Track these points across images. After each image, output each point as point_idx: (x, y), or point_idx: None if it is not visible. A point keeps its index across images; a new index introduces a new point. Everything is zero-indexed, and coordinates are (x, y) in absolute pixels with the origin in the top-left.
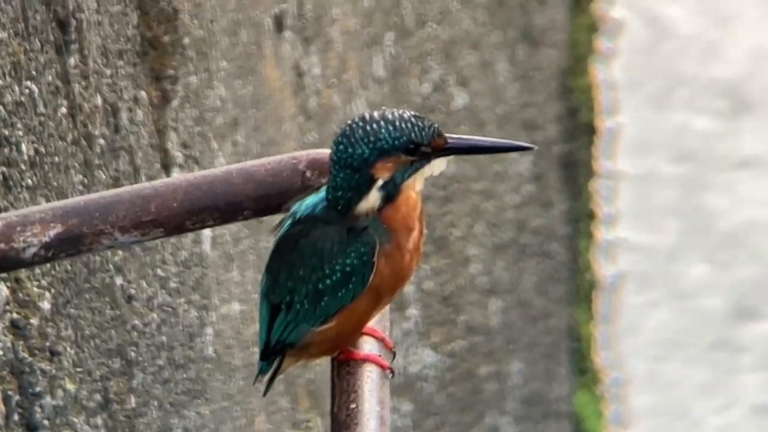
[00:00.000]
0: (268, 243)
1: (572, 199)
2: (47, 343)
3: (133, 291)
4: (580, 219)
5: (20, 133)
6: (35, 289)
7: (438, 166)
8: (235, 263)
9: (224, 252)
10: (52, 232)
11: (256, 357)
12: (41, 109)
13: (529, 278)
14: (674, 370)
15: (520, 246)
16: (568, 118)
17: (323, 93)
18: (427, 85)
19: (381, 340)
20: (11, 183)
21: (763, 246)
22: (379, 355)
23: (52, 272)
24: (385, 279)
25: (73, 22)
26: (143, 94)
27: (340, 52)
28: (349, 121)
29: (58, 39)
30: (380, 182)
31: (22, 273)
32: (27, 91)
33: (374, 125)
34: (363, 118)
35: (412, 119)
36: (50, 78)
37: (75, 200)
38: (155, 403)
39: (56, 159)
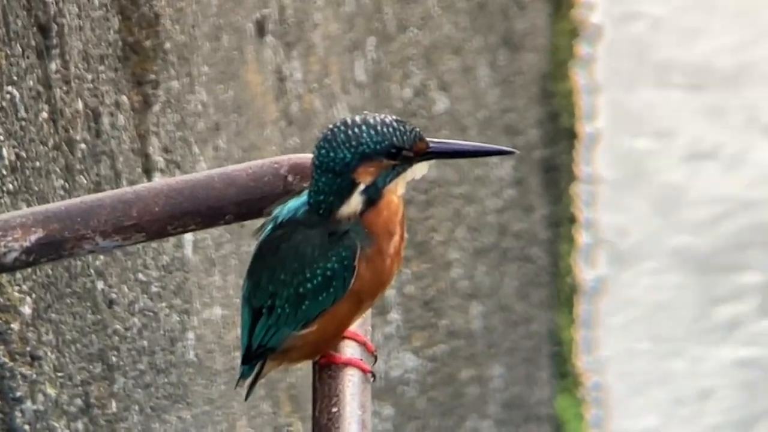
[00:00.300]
0: (250, 247)
1: (553, 203)
2: (28, 348)
3: (114, 295)
4: (561, 223)
5: (1, 137)
6: (16, 293)
7: (420, 170)
8: (216, 267)
9: (206, 256)
10: (33, 237)
11: (238, 361)
12: (22, 113)
13: (510, 282)
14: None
15: (502, 250)
16: (549, 123)
17: (305, 98)
18: (409, 90)
19: (362, 344)
20: None
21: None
22: (361, 359)
23: (33, 277)
24: (366, 283)
25: (55, 27)
26: (125, 98)
27: (321, 57)
28: (331, 126)
29: (39, 44)
30: (362, 186)
31: (3, 277)
32: (8, 96)
33: (356, 129)
34: (345, 123)
35: (394, 123)
36: (31, 83)
37: (56, 205)
38: (136, 407)
39: (37, 164)
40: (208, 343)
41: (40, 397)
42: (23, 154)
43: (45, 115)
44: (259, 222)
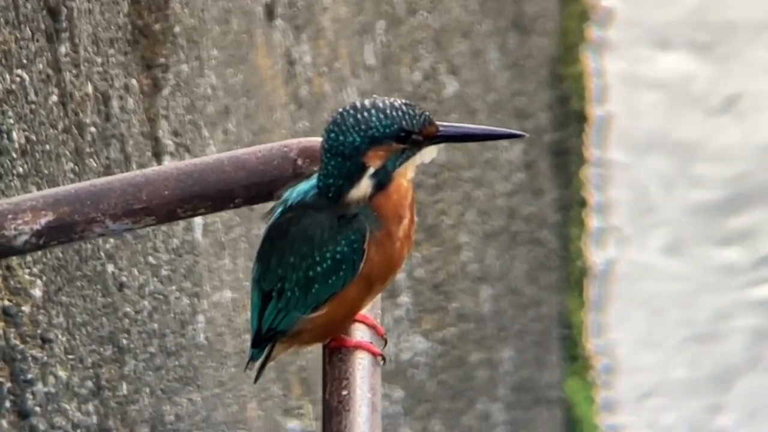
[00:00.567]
0: (260, 231)
1: (563, 186)
2: (39, 331)
3: (124, 279)
4: (571, 207)
5: (11, 121)
6: (27, 276)
7: (429, 154)
8: (226, 251)
9: (216, 240)
10: (43, 220)
11: (248, 344)
12: (32, 97)
13: (520, 266)
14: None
15: (511, 234)
16: (559, 106)
17: (314, 81)
18: (418, 74)
19: (372, 327)
20: (2, 171)
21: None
22: (371, 342)
23: (44, 260)
24: (375, 267)
25: (64, 11)
26: (134, 82)
27: (331, 41)
28: (341, 109)
29: (48, 27)
30: (371, 170)
31: (14, 260)
32: (18, 79)
33: (365, 113)
34: (354, 107)
35: (404, 107)
36: (41, 66)
37: (66, 188)
38: (147, 390)
39: (47, 147)
40: (218, 326)
41: (51, 380)
42: (33, 137)
43: (55, 98)
44: (268, 205)
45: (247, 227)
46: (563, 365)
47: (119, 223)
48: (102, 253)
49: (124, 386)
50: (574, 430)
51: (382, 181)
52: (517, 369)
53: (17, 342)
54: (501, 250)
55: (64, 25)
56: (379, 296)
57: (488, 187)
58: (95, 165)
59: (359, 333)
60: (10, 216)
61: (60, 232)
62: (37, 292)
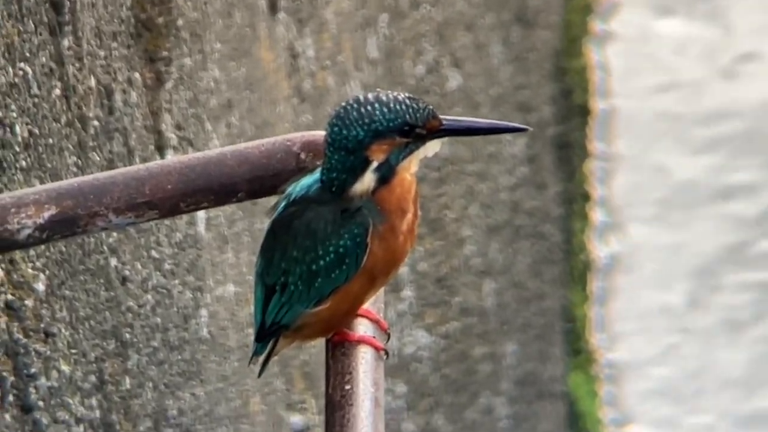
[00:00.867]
0: (263, 225)
1: (566, 180)
2: (42, 325)
3: (127, 272)
4: (575, 200)
5: (14, 114)
6: (30, 270)
7: (432, 147)
8: (229, 245)
9: (219, 234)
10: (46, 214)
11: (251, 338)
12: (35, 90)
13: (523, 259)
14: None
15: (515, 227)
16: (562, 100)
17: (317, 75)
18: (421, 67)
19: (375, 321)
20: (5, 165)
21: None
22: (374, 337)
23: (47, 254)
24: (378, 261)
25: (67, 4)
26: (137, 75)
27: (334, 34)
28: (344, 103)
29: (51, 20)
30: (375, 164)
31: (17, 254)
32: (21, 72)
33: (369, 107)
34: (357, 100)
35: (407, 101)
36: (44, 59)
37: (69, 182)
38: (150, 384)
39: (50, 141)
40: (222, 321)
41: (54, 374)
42: (36, 131)
43: (58, 92)
44: (272, 200)
45: (250, 221)
46: (566, 359)
47: (122, 217)
48: (105, 247)
49: (127, 380)
50: (577, 424)
51: (386, 175)
52: (520, 363)
53: (20, 336)
54: (504, 243)
55: (67, 18)
56: (382, 290)
57: (491, 181)
58: (98, 159)
59: (362, 327)
60: (13, 210)
61: (63, 226)
62: (40, 286)
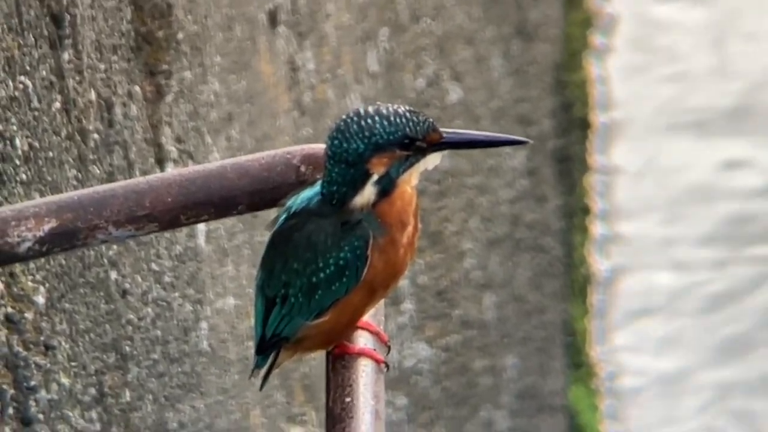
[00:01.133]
0: (263, 238)
1: (567, 193)
2: (42, 338)
3: (127, 285)
4: (575, 214)
5: (14, 128)
6: (30, 283)
7: (433, 160)
8: (229, 258)
9: (219, 246)
10: (46, 227)
11: (251, 351)
12: (35, 104)
13: (523, 273)
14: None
15: (515, 240)
16: (563, 113)
17: (318, 88)
18: (422, 80)
19: (376, 334)
20: (5, 178)
21: None
22: (374, 349)
23: (47, 267)
24: (378, 273)
25: (67, 17)
26: (137, 89)
27: (334, 47)
28: (344, 116)
29: (52, 34)
30: (375, 177)
31: (17, 267)
32: (21, 86)
33: (369, 120)
34: (358, 113)
35: (407, 114)
36: (44, 73)
37: (69, 195)
38: (150, 397)
39: (50, 154)
40: (222, 333)
41: (54, 387)
42: (36, 144)
43: (58, 105)
44: (272, 212)
45: (250, 234)
46: (567, 372)
47: (122, 229)
48: (105, 260)
49: (127, 393)
50: None
51: (386, 188)
52: (520, 376)
53: (20, 349)
54: (504, 257)
55: (68, 31)
56: (382, 303)
57: (492, 194)
58: (98, 172)
59: (362, 340)
60: (13, 223)
61: (63, 239)
62: (40, 299)
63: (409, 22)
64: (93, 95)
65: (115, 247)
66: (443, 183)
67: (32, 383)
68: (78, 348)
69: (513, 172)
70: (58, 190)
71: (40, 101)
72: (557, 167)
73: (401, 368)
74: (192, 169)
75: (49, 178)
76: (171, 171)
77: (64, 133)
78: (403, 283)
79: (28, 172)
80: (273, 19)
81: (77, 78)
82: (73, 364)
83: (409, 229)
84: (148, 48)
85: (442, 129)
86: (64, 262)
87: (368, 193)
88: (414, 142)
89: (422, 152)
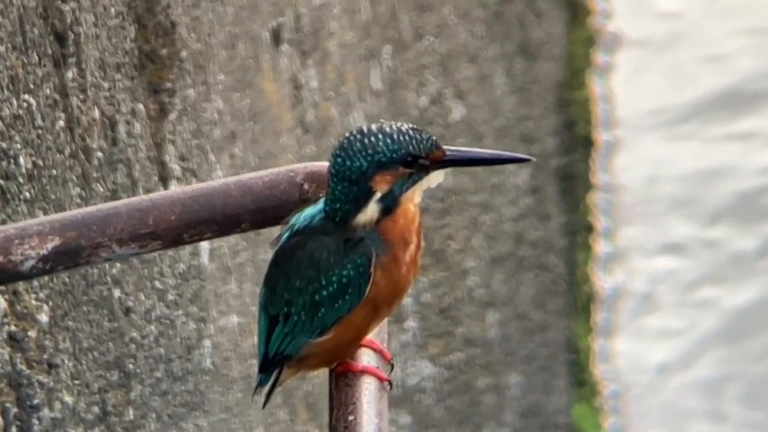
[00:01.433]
0: (266, 255)
1: (570, 211)
2: (45, 356)
3: (131, 303)
4: (578, 232)
5: (18, 146)
6: (33, 301)
7: (436, 178)
8: (233, 276)
9: (222, 264)
10: (50, 245)
11: (254, 369)
12: (39, 122)
13: (526, 291)
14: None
15: (518, 258)
16: (566, 131)
17: (321, 106)
18: (425, 98)
19: (379, 352)
20: (9, 196)
21: None
22: (378, 367)
23: (50, 285)
24: (381, 291)
25: (71, 36)
26: (141, 107)
27: (337, 65)
28: (347, 134)
29: (55, 52)
30: (378, 195)
31: (20, 286)
32: (25, 104)
33: (372, 138)
34: (361, 131)
35: (410, 132)
36: (48, 91)
37: (73, 213)
38: (153, 415)
39: (54, 172)
40: (225, 351)
41: (58, 405)
42: (40, 162)
43: (62, 123)
44: (275, 230)
45: (253, 252)
46: (570, 391)
47: (126, 247)
48: (108, 278)
49: (131, 411)
50: None
51: (389, 206)
52: (524, 394)
53: (23, 367)
54: (508, 275)
55: (71, 50)
56: (385, 321)
57: (495, 212)
58: (102, 190)
59: (366, 358)
60: (16, 241)
61: (66, 257)
62: (44, 317)
63: (412, 41)
64: (97, 113)
65: (118, 265)
66: (446, 201)
67: (35, 401)
68: (81, 366)
69: (516, 190)
70: (61, 208)
71: (43, 119)
72: (560, 185)
73: (404, 386)
74: (195, 186)
75: (53, 196)
76: (174, 189)
77: (67, 151)
78: (407, 300)
79: (32, 190)
80: (276, 38)
81: (81, 96)
82: (76, 382)
83: (412, 246)
84: (152, 66)
85: (445, 147)
86: (67, 280)
87: (371, 210)
88: (417, 160)
89: (425, 170)
